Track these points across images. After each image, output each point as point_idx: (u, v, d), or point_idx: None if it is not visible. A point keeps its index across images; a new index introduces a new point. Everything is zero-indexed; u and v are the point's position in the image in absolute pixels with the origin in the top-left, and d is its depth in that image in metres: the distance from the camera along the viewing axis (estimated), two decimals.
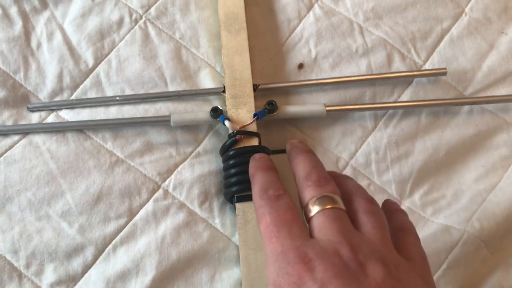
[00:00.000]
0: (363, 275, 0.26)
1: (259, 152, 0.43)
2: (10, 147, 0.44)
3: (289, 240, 0.28)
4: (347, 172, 0.46)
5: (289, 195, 0.33)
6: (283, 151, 0.46)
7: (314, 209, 0.30)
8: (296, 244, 0.28)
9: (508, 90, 0.49)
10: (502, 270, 0.43)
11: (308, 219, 0.31)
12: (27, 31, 0.48)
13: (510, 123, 0.48)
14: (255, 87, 0.46)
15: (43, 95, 0.46)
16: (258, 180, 0.35)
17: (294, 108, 0.46)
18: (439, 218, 0.44)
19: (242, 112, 0.45)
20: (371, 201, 0.32)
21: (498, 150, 0.47)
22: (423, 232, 0.44)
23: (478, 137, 0.47)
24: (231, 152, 0.43)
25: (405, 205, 0.45)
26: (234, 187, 0.42)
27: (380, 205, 0.34)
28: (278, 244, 0.29)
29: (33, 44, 0.48)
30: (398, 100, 0.48)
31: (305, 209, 0.31)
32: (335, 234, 0.28)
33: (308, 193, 0.31)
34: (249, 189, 0.42)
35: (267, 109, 0.45)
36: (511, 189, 0.44)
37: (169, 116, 0.45)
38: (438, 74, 0.47)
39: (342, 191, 0.32)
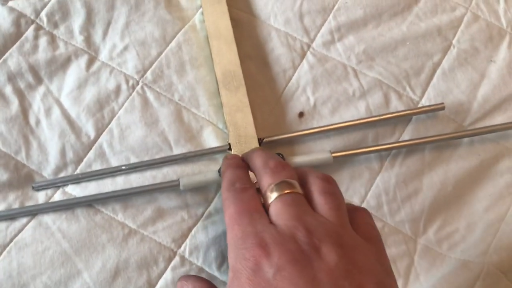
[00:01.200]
0: (318, 259, 0.27)
1: None
2: (20, 231, 0.43)
3: (249, 227, 0.29)
4: None
5: (255, 188, 0.34)
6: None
7: (272, 196, 0.31)
8: (255, 230, 0.29)
9: (504, 117, 0.50)
10: None
11: (267, 206, 0.31)
12: (24, 109, 0.47)
13: (511, 149, 0.49)
14: (260, 141, 0.46)
15: (47, 173, 0.46)
16: (227, 176, 0.36)
17: (301, 158, 0.46)
18: (456, 253, 0.45)
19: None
20: (327, 180, 0.33)
21: (503, 177, 0.48)
22: (441, 270, 0.44)
23: (482, 166, 0.48)
24: None
25: (421, 243, 0.45)
26: None
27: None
28: (239, 231, 0.30)
29: (32, 121, 0.47)
30: (400, 139, 0.49)
31: (264, 196, 0.32)
32: (291, 218, 0.29)
33: (266, 180, 0.33)
34: None
35: None
36: None
37: (178, 180, 0.45)
38: (436, 110, 0.48)
39: (299, 174, 0.33)
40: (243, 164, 0.38)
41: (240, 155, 0.40)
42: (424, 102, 0.50)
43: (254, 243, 0.28)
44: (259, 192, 0.34)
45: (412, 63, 0.52)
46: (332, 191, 0.32)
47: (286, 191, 0.31)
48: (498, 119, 0.50)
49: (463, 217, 0.46)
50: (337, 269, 0.26)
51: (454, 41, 0.53)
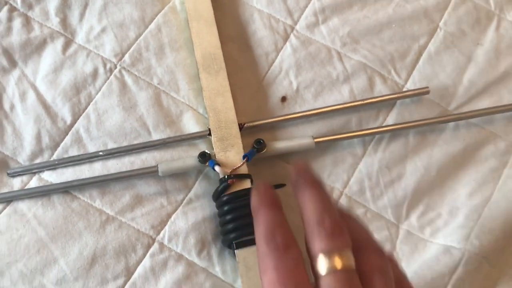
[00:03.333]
0: None
1: None
2: None
3: None
4: (343, 201, 0.45)
5: (298, 246, 0.31)
6: (275, 187, 0.45)
7: (324, 267, 0.29)
8: None
9: (490, 101, 0.49)
10: (505, 282, 0.43)
11: (316, 274, 0.30)
12: None
13: (496, 134, 0.48)
14: (241, 127, 0.45)
15: (23, 159, 0.45)
16: (263, 220, 0.31)
17: (283, 143, 0.45)
18: (438, 238, 0.44)
19: (231, 154, 0.44)
20: (381, 255, 0.31)
21: (488, 162, 0.47)
22: (424, 255, 0.44)
23: (466, 151, 0.47)
24: (225, 198, 0.42)
25: (403, 228, 0.45)
26: (232, 234, 0.41)
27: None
28: None
29: (6, 106, 0.46)
30: (384, 124, 0.48)
31: (313, 260, 0.30)
32: None
33: (319, 243, 0.30)
34: (248, 234, 0.41)
35: (256, 148, 0.44)
36: (504, 201, 0.45)
37: (156, 166, 0.44)
38: (421, 94, 0.48)
39: (353, 238, 0.31)
40: (278, 201, 0.33)
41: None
42: (409, 86, 0.49)
43: None
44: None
45: (398, 46, 0.51)
46: (386, 269, 0.30)
47: (340, 267, 0.28)
48: (484, 103, 0.49)
49: (446, 202, 0.46)
50: None
51: (441, 24, 0.52)
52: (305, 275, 0.29)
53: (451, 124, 0.48)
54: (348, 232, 0.30)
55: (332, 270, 0.28)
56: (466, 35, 0.52)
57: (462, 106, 0.49)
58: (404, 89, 0.49)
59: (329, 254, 0.29)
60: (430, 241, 0.45)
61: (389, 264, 0.30)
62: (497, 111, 0.48)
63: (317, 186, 0.32)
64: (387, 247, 0.44)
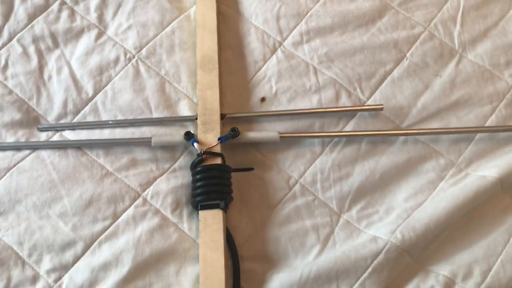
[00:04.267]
0: None
1: (221, 169, 0.52)
2: (22, 159, 0.54)
3: None
4: (296, 188, 0.55)
5: None
6: (245, 169, 0.55)
7: None
8: None
9: (439, 124, 0.57)
10: (422, 275, 0.50)
11: None
12: (41, 66, 0.59)
13: (439, 152, 0.56)
14: (223, 116, 0.56)
15: (51, 118, 0.57)
16: None
17: (253, 134, 0.55)
18: (371, 230, 0.53)
19: (210, 136, 0.54)
20: None
21: (427, 175, 0.55)
22: (355, 241, 0.52)
23: (410, 163, 0.56)
24: (198, 169, 0.52)
25: (343, 218, 0.53)
26: (198, 197, 0.51)
27: None
28: None
29: (45, 76, 0.59)
30: (343, 130, 0.57)
31: None
32: None
33: None
34: (211, 199, 0.51)
35: (231, 134, 0.54)
36: (432, 208, 0.52)
37: (150, 138, 0.55)
38: (375, 109, 0.56)
39: None
40: None
41: None
42: (370, 102, 0.58)
43: None
44: None
45: (366, 69, 0.60)
46: None
47: None
48: (434, 125, 0.57)
49: (384, 202, 0.54)
50: None
51: (408, 54, 0.61)
52: None
53: (401, 138, 0.57)
54: None
55: None
56: (428, 67, 0.60)
57: (413, 125, 0.58)
58: (363, 104, 0.58)
59: None
60: (364, 232, 0.53)
61: None
62: (443, 132, 0.56)
63: None
64: (326, 231, 0.53)
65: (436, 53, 0.61)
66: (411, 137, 0.57)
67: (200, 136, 0.54)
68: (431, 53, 0.61)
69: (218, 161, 0.53)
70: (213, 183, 0.52)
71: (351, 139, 0.56)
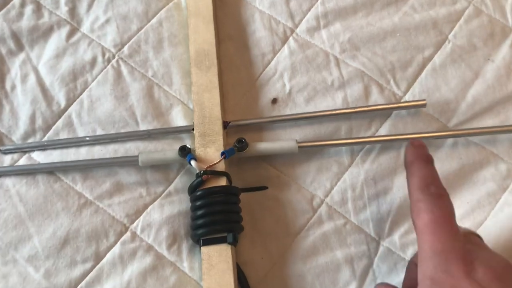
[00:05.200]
0: None
1: (227, 192, 0.42)
2: None
3: (449, 241, 0.30)
4: (323, 210, 0.44)
5: (449, 196, 0.33)
6: (257, 188, 0.44)
7: None
8: (457, 245, 0.30)
9: (495, 121, 0.46)
10: None
11: None
12: (2, 73, 0.48)
13: (498, 155, 0.45)
14: (226, 124, 0.45)
15: (16, 137, 0.47)
16: (418, 172, 0.34)
17: (265, 145, 0.44)
18: None
19: (211, 150, 0.43)
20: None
21: (485, 185, 0.44)
22: (402, 276, 0.41)
23: (462, 171, 0.45)
24: (198, 193, 0.42)
25: (383, 245, 0.43)
26: (200, 230, 0.41)
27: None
28: (438, 242, 0.30)
29: (8, 86, 0.48)
30: (376, 134, 0.46)
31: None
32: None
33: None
34: (216, 231, 0.41)
35: (237, 147, 0.43)
36: (496, 229, 0.41)
37: (137, 156, 0.44)
38: (416, 106, 0.45)
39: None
40: (431, 157, 0.36)
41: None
42: (408, 98, 0.47)
43: (458, 259, 0.29)
44: None
45: (400, 56, 0.49)
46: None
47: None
48: (488, 122, 0.46)
49: None
50: None
51: (450, 36, 0.49)
52: (454, 218, 0.32)
53: (449, 141, 0.45)
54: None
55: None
56: (476, 50, 0.49)
57: (463, 123, 0.46)
58: (401, 101, 0.47)
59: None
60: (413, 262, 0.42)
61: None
62: (502, 130, 0.45)
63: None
64: (363, 263, 0.42)
65: (485, 33, 0.49)
66: (461, 138, 0.45)
67: (199, 151, 0.43)
68: (478, 32, 0.49)
69: (223, 182, 0.42)
70: (217, 211, 0.41)
71: (387, 145, 0.45)
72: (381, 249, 0.43)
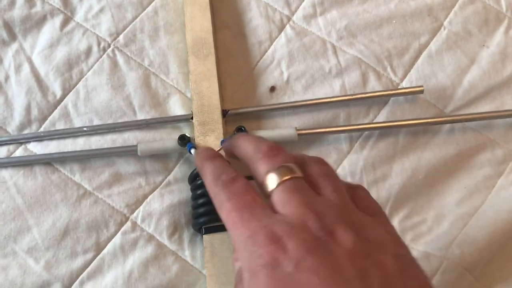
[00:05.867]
0: (334, 243, 0.25)
1: None
2: None
3: (254, 222, 0.27)
4: None
5: (243, 176, 0.31)
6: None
7: (272, 183, 0.28)
8: (263, 224, 0.27)
9: (491, 107, 0.47)
10: None
11: (268, 195, 0.29)
12: None
13: (494, 140, 0.46)
14: (225, 113, 0.45)
15: (11, 128, 0.46)
16: (207, 170, 0.33)
17: (264, 133, 0.44)
18: (419, 245, 0.42)
19: (210, 139, 0.43)
20: (322, 162, 0.31)
21: (482, 169, 0.45)
22: None
23: (459, 156, 0.45)
24: (198, 182, 0.41)
25: None
26: (201, 218, 0.41)
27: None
28: (244, 229, 0.27)
29: (1, 77, 0.47)
30: (374, 121, 0.46)
31: (262, 185, 0.30)
32: (298, 206, 0.27)
33: (262, 167, 0.30)
34: (218, 220, 0.40)
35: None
36: (493, 213, 0.42)
37: (136, 145, 0.44)
38: (414, 93, 0.46)
39: (293, 159, 0.30)
40: (219, 154, 0.35)
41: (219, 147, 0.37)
42: (405, 84, 0.48)
43: (266, 239, 0.26)
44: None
45: (397, 43, 0.49)
46: (331, 172, 0.30)
47: (287, 177, 0.28)
48: (484, 108, 0.47)
49: (432, 208, 0.44)
50: (355, 251, 0.25)
51: (445, 23, 0.50)
52: (256, 195, 0.29)
53: (446, 126, 0.46)
54: (287, 152, 0.31)
55: (280, 182, 0.28)
56: (471, 36, 0.49)
57: (459, 109, 0.47)
58: (399, 87, 0.47)
59: (274, 170, 0.29)
60: (411, 247, 0.42)
61: (332, 169, 0.30)
62: (498, 116, 0.45)
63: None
64: None
65: (480, 19, 0.50)
66: (458, 124, 0.46)
67: (198, 140, 0.43)
68: (473, 19, 0.50)
69: None
70: None
71: (385, 131, 0.45)
72: None
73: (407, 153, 0.45)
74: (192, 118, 0.45)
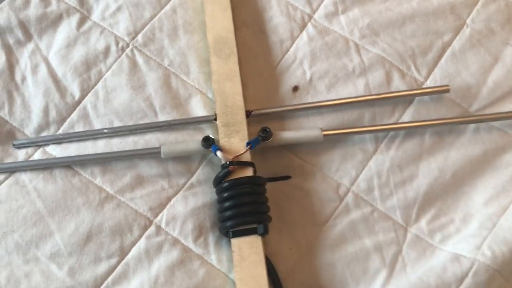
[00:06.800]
0: None
1: (254, 182, 0.41)
2: None
3: None
4: (349, 198, 0.43)
5: None
6: (280, 178, 0.44)
7: None
8: None
9: None
10: None
11: None
12: (11, 64, 0.46)
13: None
14: (248, 114, 0.44)
15: (29, 131, 0.45)
16: None
17: (290, 134, 0.44)
18: (448, 246, 0.42)
19: (235, 140, 0.42)
20: None
21: (508, 169, 0.44)
22: (430, 261, 0.41)
23: (486, 156, 0.45)
24: (225, 184, 0.41)
25: (411, 232, 0.43)
26: (228, 222, 0.40)
27: None
28: None
29: (18, 78, 0.46)
30: (400, 121, 0.46)
31: None
32: None
33: None
34: (246, 223, 0.40)
35: (261, 136, 0.43)
36: None
37: (159, 147, 0.43)
38: (440, 92, 0.45)
39: None
40: None
41: None
42: (429, 83, 0.47)
43: None
44: None
45: (420, 41, 0.48)
46: None
47: None
48: (509, 106, 0.46)
49: (459, 208, 0.43)
50: None
51: (468, 20, 0.49)
52: None
53: (472, 126, 0.45)
54: None
55: None
56: (494, 34, 0.49)
57: (484, 108, 0.46)
58: (424, 87, 0.47)
59: None
60: (440, 248, 0.42)
61: None
62: None
63: None
64: (392, 250, 0.42)
65: (503, 17, 0.49)
66: (484, 124, 0.46)
67: (223, 141, 0.42)
68: (496, 17, 0.49)
69: (249, 172, 0.41)
70: (246, 202, 0.40)
71: (411, 131, 0.45)
72: (409, 235, 0.43)
73: (433, 153, 0.45)
74: (215, 119, 0.44)
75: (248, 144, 0.42)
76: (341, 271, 0.41)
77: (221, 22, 0.46)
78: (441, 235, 0.42)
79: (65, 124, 0.45)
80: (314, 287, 0.41)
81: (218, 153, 0.41)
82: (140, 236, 0.42)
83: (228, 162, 0.41)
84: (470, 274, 0.39)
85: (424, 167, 0.44)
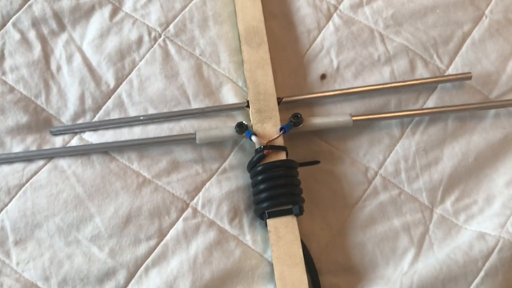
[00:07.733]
0: None
1: (287, 165, 0.42)
2: (36, 172, 0.44)
3: None
4: (377, 182, 0.45)
5: None
6: (310, 163, 0.45)
7: None
8: None
9: None
10: None
11: None
12: (46, 54, 0.48)
13: None
14: (279, 101, 0.46)
15: (66, 118, 0.46)
16: None
17: (320, 119, 0.45)
18: (472, 225, 0.44)
19: (268, 126, 0.44)
20: None
21: None
22: (456, 240, 0.43)
23: (506, 140, 0.47)
24: (259, 168, 0.42)
25: (437, 213, 0.44)
26: (264, 203, 0.42)
27: None
28: None
29: (53, 67, 0.47)
30: (424, 107, 0.47)
31: None
32: None
33: None
34: (280, 204, 0.41)
35: (293, 122, 0.44)
36: None
37: (194, 133, 0.44)
38: (462, 79, 0.47)
39: None
40: None
41: None
42: (451, 71, 0.49)
43: None
44: None
45: (441, 31, 0.50)
46: None
47: None
48: None
49: (482, 189, 0.45)
50: None
51: (487, 11, 0.51)
52: None
53: (492, 111, 0.47)
54: None
55: None
56: None
57: (504, 94, 0.48)
58: (446, 74, 0.49)
59: None
60: (464, 228, 0.44)
61: None
62: None
63: None
64: (419, 230, 0.44)
65: None
66: (504, 109, 0.47)
67: (256, 127, 0.44)
68: None
69: (282, 156, 0.43)
70: (280, 184, 0.42)
71: (435, 116, 0.47)
72: (435, 216, 0.44)
73: (456, 138, 0.46)
74: (247, 106, 0.45)
75: (281, 129, 0.43)
76: (371, 250, 0.43)
77: (251, 12, 0.48)
78: (465, 215, 0.44)
79: (101, 112, 0.46)
80: (346, 265, 0.42)
81: (253, 137, 0.43)
82: (178, 218, 0.43)
83: (262, 147, 0.42)
84: (495, 251, 0.41)
85: (448, 151, 0.46)
